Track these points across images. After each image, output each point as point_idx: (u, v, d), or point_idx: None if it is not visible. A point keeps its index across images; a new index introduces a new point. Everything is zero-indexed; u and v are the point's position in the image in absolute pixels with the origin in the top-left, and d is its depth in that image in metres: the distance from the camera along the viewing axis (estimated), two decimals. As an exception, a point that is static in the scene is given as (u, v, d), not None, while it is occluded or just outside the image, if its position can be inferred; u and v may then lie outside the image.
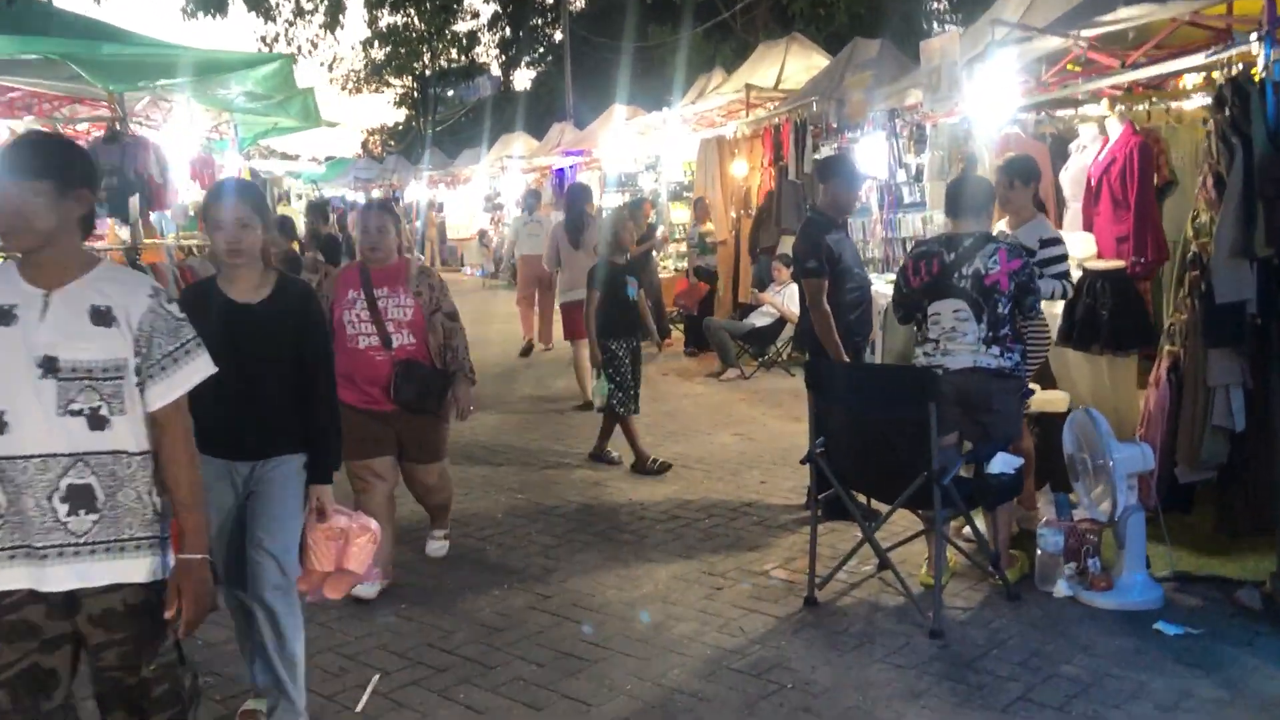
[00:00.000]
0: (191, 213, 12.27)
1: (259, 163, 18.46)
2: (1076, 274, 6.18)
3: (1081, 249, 6.21)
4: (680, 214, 17.56)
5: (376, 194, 36.82)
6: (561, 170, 22.03)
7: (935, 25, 26.87)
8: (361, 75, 39.53)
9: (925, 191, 9.07)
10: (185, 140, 11.22)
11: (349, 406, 4.46)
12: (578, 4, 36.03)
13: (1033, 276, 4.84)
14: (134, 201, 8.78)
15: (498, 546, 5.75)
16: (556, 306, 10.74)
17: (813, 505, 4.94)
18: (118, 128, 9.06)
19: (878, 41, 12.40)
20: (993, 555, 4.86)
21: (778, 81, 14.72)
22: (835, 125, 11.12)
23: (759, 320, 10.74)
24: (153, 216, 10.49)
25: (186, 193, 11.93)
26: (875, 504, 5.27)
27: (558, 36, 35.20)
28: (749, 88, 14.27)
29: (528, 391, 10.37)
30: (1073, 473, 4.97)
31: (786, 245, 11.68)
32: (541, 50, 39.32)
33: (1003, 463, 4.62)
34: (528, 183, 23.32)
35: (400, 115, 46.42)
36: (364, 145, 53.59)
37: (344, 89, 40.17)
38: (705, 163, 14.25)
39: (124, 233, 10.44)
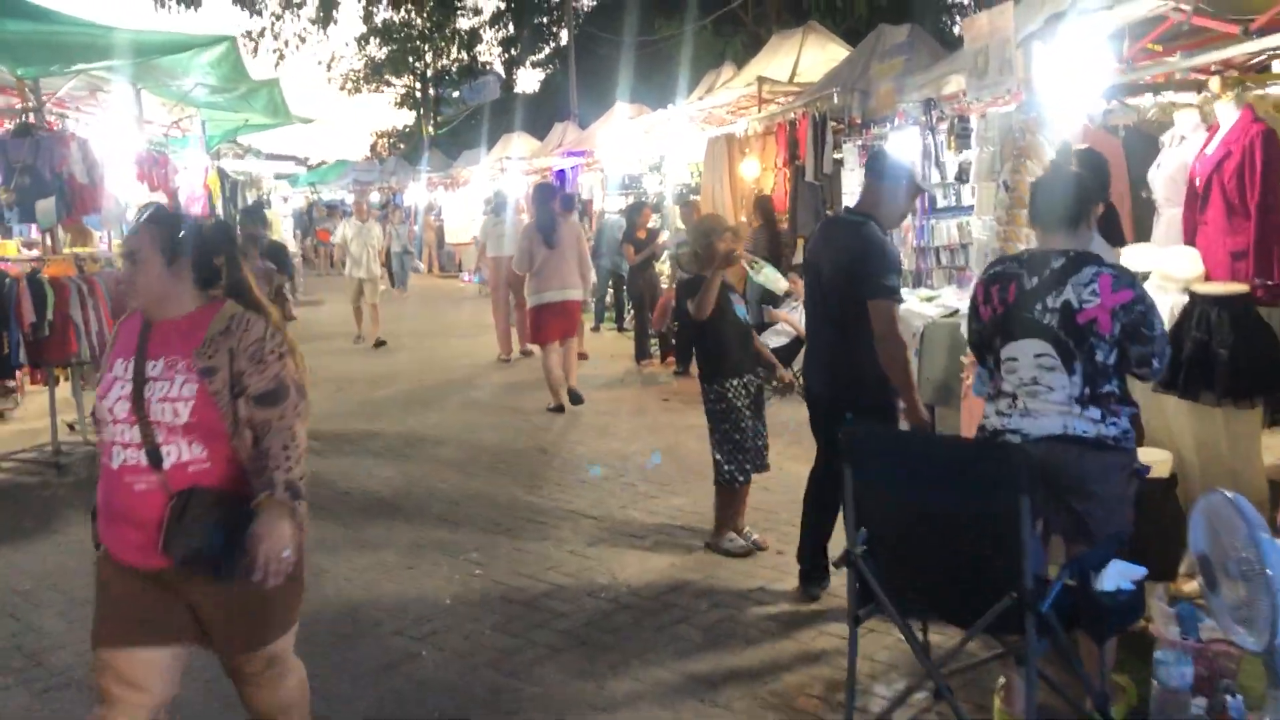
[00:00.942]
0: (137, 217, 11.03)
1: (232, 163, 17.19)
2: (1180, 300, 4.87)
3: (1184, 268, 4.92)
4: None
5: (375, 197, 35.68)
6: (562, 172, 20.76)
7: (959, 19, 25.56)
8: (361, 75, 38.38)
9: (974, 193, 7.74)
10: (125, 136, 10.01)
11: (106, 560, 2.97)
12: (585, 3, 34.90)
13: (1148, 316, 3.51)
14: (45, 205, 7.51)
15: (438, 650, 4.46)
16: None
17: (852, 623, 3.62)
18: (29, 119, 7.81)
19: (906, 26, 11.10)
20: (1096, 691, 3.54)
21: (793, 74, 13.45)
22: (859, 120, 9.84)
23: (773, 340, 9.45)
24: (85, 221, 9.23)
25: (130, 195, 10.73)
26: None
27: (563, 36, 34.07)
28: (761, 80, 12.99)
29: (503, 419, 9.09)
30: (1206, 577, 3.66)
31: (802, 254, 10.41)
32: (545, 49, 38.15)
33: (1118, 574, 3.31)
34: (529, 185, 22.05)
35: (402, 117, 45.32)
36: (372, 148, 52.60)
37: (343, 88, 39.05)
38: (713, 163, 12.97)
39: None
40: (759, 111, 12.82)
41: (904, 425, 4.74)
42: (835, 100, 9.99)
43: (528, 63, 39.18)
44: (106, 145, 9.67)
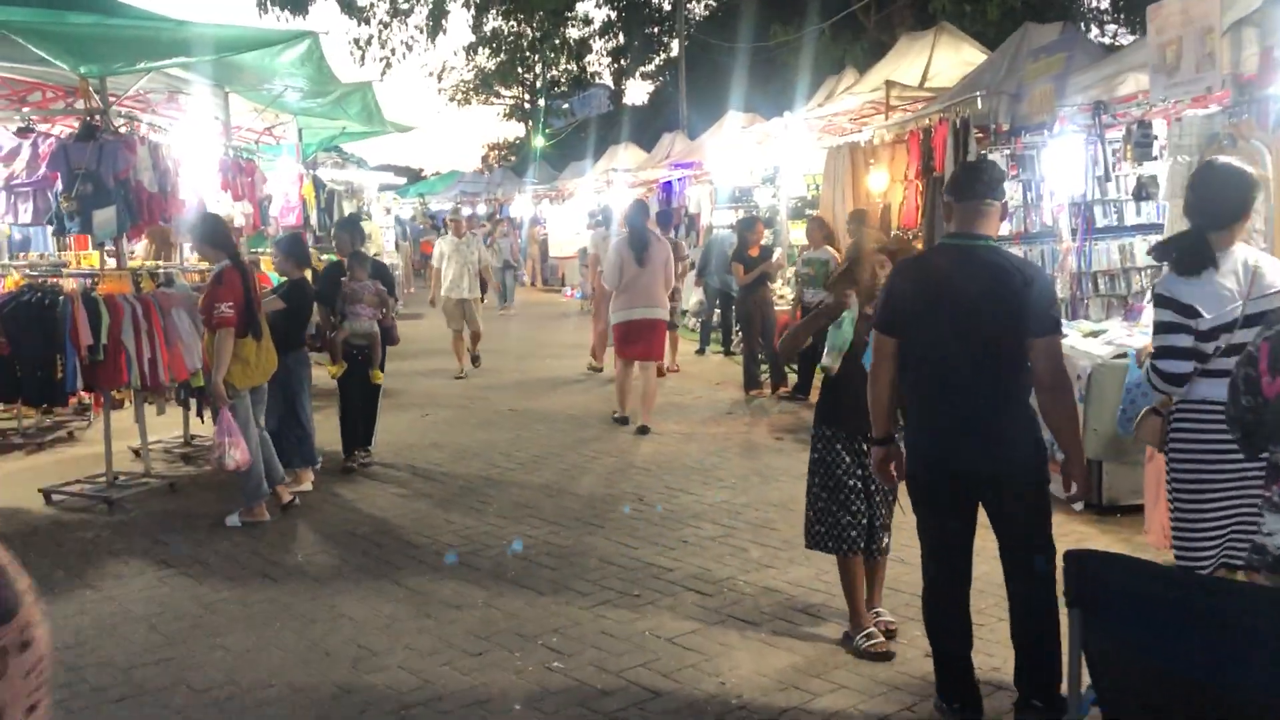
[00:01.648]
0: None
1: (330, 172, 16.69)
2: None
3: None
4: (802, 234, 15.19)
5: (481, 209, 35.38)
6: (669, 184, 19.91)
7: (1095, 28, 23.95)
8: (471, 86, 38.17)
9: (1162, 211, 6.55)
10: (206, 141, 9.43)
11: None
12: (696, 12, 34.03)
13: None
14: (103, 215, 6.86)
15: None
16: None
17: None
18: (93, 121, 7.19)
19: (1056, 25, 9.91)
20: None
21: (923, 79, 12.33)
22: (1007, 126, 8.67)
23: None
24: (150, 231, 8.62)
25: (215, 205, 10.15)
26: None
27: (673, 46, 33.26)
28: (890, 85, 11.89)
29: (598, 458, 8.16)
30: None
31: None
32: (655, 59, 37.40)
33: None
34: (634, 197, 21.25)
35: (511, 129, 45.17)
36: (484, 160, 52.71)
37: (452, 99, 38.91)
38: (834, 175, 11.90)
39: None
40: (887, 119, 11.74)
41: (1060, 486, 3.88)
42: (979, 105, 8.84)
43: (637, 74, 38.53)
44: (186, 151, 9.10)
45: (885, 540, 4.64)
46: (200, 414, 8.09)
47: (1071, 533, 6.01)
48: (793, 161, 14.37)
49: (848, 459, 4.54)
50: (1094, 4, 23.78)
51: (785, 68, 25.98)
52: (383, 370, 8.05)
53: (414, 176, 50.63)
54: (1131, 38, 20.79)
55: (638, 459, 8.08)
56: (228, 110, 10.31)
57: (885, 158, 11.03)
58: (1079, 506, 6.11)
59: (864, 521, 4.52)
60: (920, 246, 10.45)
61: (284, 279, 7.32)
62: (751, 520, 6.39)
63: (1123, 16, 23.13)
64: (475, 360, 12.65)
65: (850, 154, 11.60)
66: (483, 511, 6.68)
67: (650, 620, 4.90)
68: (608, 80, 38.33)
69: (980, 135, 8.96)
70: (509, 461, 8.05)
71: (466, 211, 31.54)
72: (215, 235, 6.49)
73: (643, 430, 9.00)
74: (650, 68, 38.97)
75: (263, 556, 5.92)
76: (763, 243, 11.61)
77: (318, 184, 13.59)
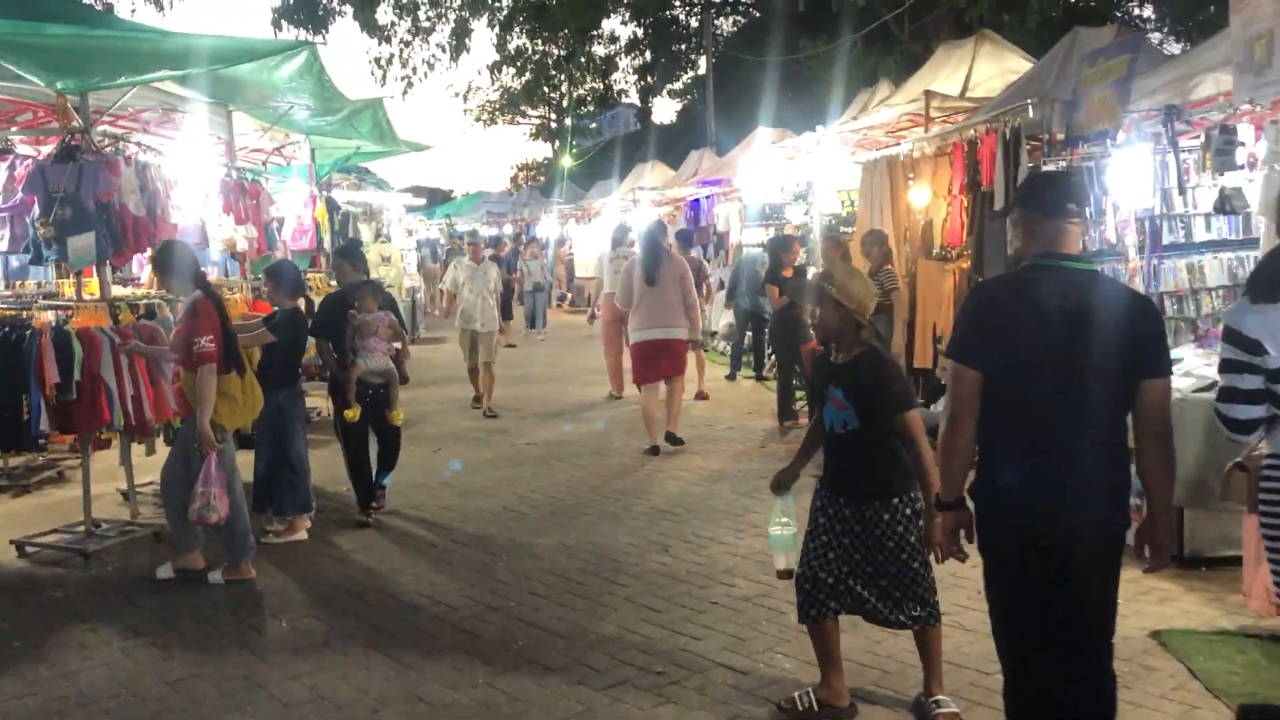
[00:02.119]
0: (224, 252, 9.96)
1: (348, 194, 16.19)
2: None
3: None
4: (838, 254, 14.53)
5: (508, 229, 34.97)
6: (696, 202, 19.31)
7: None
8: (496, 106, 37.79)
9: (1258, 226, 5.84)
10: (202, 162, 8.90)
11: None
12: (724, 27, 33.49)
13: None
14: (80, 242, 6.31)
15: None
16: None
17: None
18: (72, 140, 6.65)
19: (1110, 28, 9.25)
20: None
21: (964, 89, 11.66)
22: (1061, 136, 8.00)
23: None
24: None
25: (217, 229, 9.63)
26: None
27: (701, 63, 32.76)
28: (929, 95, 11.24)
29: (622, 501, 7.51)
30: None
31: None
32: (683, 76, 36.89)
33: None
34: (660, 216, 20.65)
35: (538, 149, 44.79)
36: (513, 180, 52.46)
37: (478, 119, 38.54)
38: (871, 190, 11.22)
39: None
40: (926, 131, 11.08)
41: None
42: (1030, 113, 8.16)
43: (664, 91, 38.01)
44: (182, 172, 8.58)
45: (917, 611, 3.99)
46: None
47: (1153, 590, 5.32)
48: (826, 177, 13.71)
49: (821, 519, 4.18)
50: (1138, 11, 22.96)
51: (815, 83, 25.37)
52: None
53: (443, 198, 50.44)
54: (1179, 47, 20.00)
55: (664, 502, 7.41)
56: (231, 129, 9.80)
57: (926, 172, 10.34)
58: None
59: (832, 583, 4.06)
60: (965, 266, 9.81)
61: (275, 309, 6.73)
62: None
63: (1168, 25, 22.29)
64: (486, 413, 10.98)
65: (888, 168, 10.93)
66: (491, 567, 6.04)
67: (675, 706, 4.23)
68: (634, 98, 37.85)
69: (1032, 146, 8.29)
70: (524, 505, 7.41)
71: (490, 233, 31.14)
72: (181, 264, 5.89)
73: (672, 439, 9.06)
74: (678, 86, 38.48)
75: (242, 621, 5.31)
76: (797, 263, 10.97)
77: (331, 206, 13.08)
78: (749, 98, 27.72)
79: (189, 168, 8.65)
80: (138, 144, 7.69)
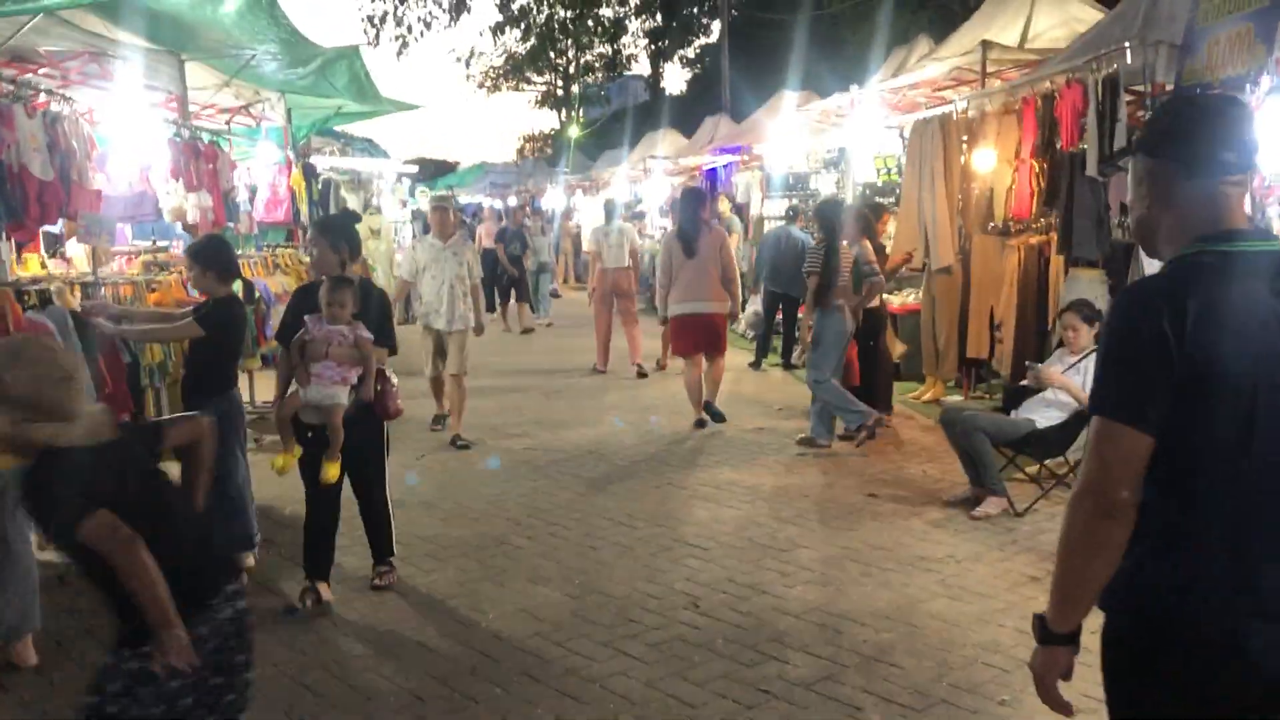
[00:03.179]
0: (171, 222, 8.60)
1: (332, 160, 14.78)
2: None
3: None
4: (872, 227, 13.15)
5: (512, 201, 33.54)
6: (714, 171, 17.88)
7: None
8: (500, 72, 36.25)
9: None
10: (140, 117, 7.56)
11: None
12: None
13: None
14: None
15: None
16: (664, 321, 9.31)
17: None
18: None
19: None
20: None
21: (1023, 39, 10.24)
22: (1167, 85, 6.61)
23: (1041, 414, 6.25)
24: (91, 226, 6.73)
25: (165, 198, 8.30)
26: None
27: (714, 27, 31.22)
28: (988, 46, 9.83)
29: (645, 531, 6.19)
30: None
31: (1084, 288, 7.20)
32: (696, 41, 35.31)
33: None
34: (672, 186, 19.24)
35: (544, 118, 43.24)
36: (519, 152, 50.99)
37: (481, 86, 37.01)
38: (920, 155, 9.82)
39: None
40: (982, 87, 9.69)
41: None
42: (1129, 59, 6.77)
43: (676, 57, 36.44)
44: (114, 130, 7.24)
45: None
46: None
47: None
48: (862, 142, 12.31)
49: None
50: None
51: (840, 45, 23.87)
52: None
53: (448, 171, 48.96)
54: None
55: (689, 529, 6.08)
56: (183, 81, 8.46)
57: (990, 133, 8.94)
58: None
59: None
60: (1036, 241, 8.43)
61: (204, 298, 5.34)
62: (859, 648, 4.39)
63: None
64: (455, 441, 8.31)
65: (941, 129, 9.52)
66: (470, 632, 4.71)
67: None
68: (645, 64, 36.25)
69: (1132, 99, 6.90)
70: (519, 533, 6.09)
71: (485, 204, 29.44)
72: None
73: (709, 410, 8.74)
74: (690, 53, 36.91)
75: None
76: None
77: (309, 172, 11.71)
78: (766, 62, 26.21)
79: (124, 123, 7.33)
80: (48, 91, 6.32)
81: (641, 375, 11.44)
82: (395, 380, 5.14)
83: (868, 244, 8.56)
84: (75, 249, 7.88)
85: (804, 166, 15.35)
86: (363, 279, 5.29)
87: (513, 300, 16.64)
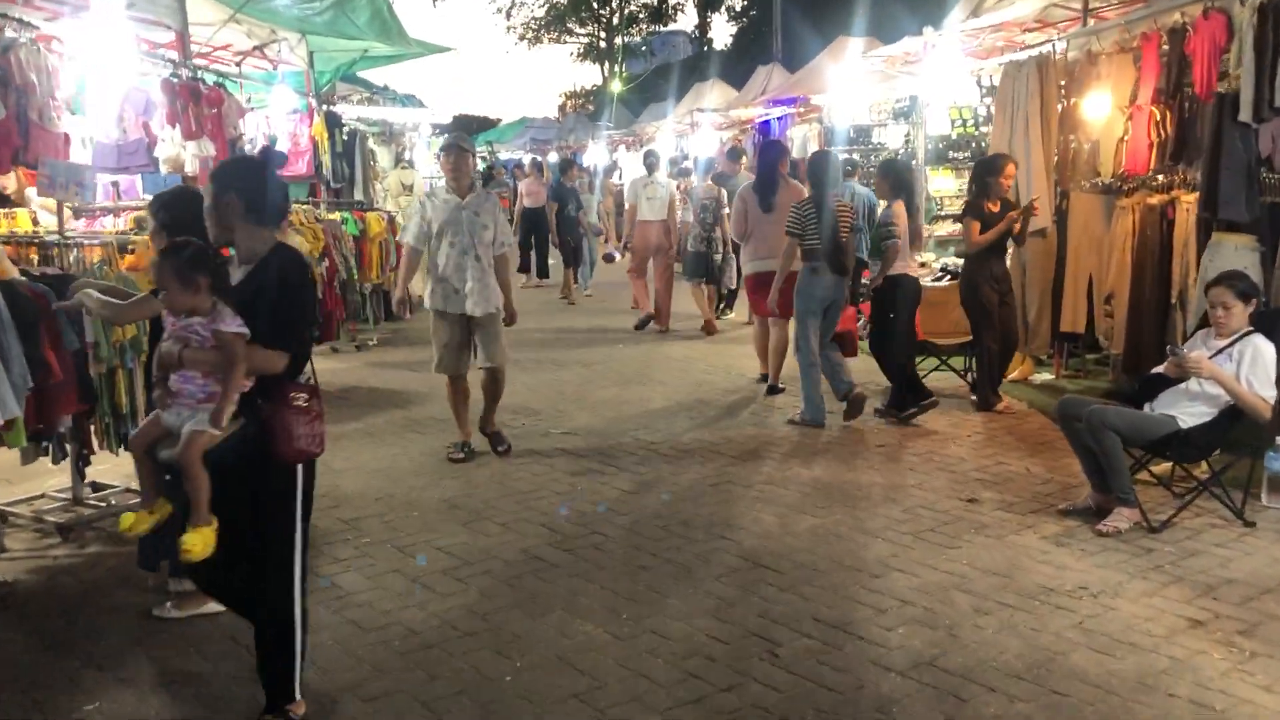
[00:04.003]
0: (168, 173, 7.68)
1: (362, 110, 13.79)
2: None
3: None
4: (944, 182, 12.00)
5: (553, 157, 32.50)
6: (767, 123, 16.75)
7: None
8: (541, 22, 35.03)
9: None
10: (126, 51, 6.62)
11: None
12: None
13: None
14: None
15: None
16: (738, 278, 9.65)
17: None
18: None
19: None
20: None
21: (1132, -29, 9.01)
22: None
23: (1184, 410, 5.18)
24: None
25: (162, 146, 7.39)
26: None
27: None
28: (1094, -23, 8.64)
29: (703, 578, 5.23)
30: None
31: (1231, 256, 6.08)
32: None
33: None
34: (722, 140, 18.11)
35: (585, 72, 41.97)
36: (561, 109, 49.87)
37: (522, 38, 35.81)
38: (1011, 102, 8.68)
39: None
40: (1085, 24, 8.50)
41: None
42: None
43: (724, 8, 35.01)
44: (92, 65, 6.31)
45: None
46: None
47: None
48: (938, 91, 11.14)
49: None
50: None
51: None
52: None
53: (489, 125, 47.92)
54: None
55: (757, 543, 5.08)
56: (183, 15, 7.52)
57: (1098, 75, 7.77)
58: None
59: None
60: (1155, 201, 7.28)
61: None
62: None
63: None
64: (497, 443, 6.78)
65: (1039, 72, 8.36)
66: (496, 688, 3.76)
67: None
68: (691, 16, 34.85)
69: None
70: (556, 545, 5.12)
71: (525, 159, 28.12)
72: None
73: (773, 390, 8.32)
74: (737, 4, 35.45)
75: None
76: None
77: (332, 121, 10.75)
78: (821, 9, 24.86)
79: (107, 57, 6.40)
80: (2, 15, 5.36)
81: (640, 327, 11.71)
82: (309, 400, 3.32)
83: (900, 206, 7.55)
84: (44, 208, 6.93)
85: (867, 118, 14.18)
86: (279, 244, 3.41)
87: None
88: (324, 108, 10.61)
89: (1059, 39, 8.53)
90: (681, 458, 6.62)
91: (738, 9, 35.77)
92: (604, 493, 5.91)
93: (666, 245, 11.80)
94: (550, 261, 16.22)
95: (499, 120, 53.29)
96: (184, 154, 7.26)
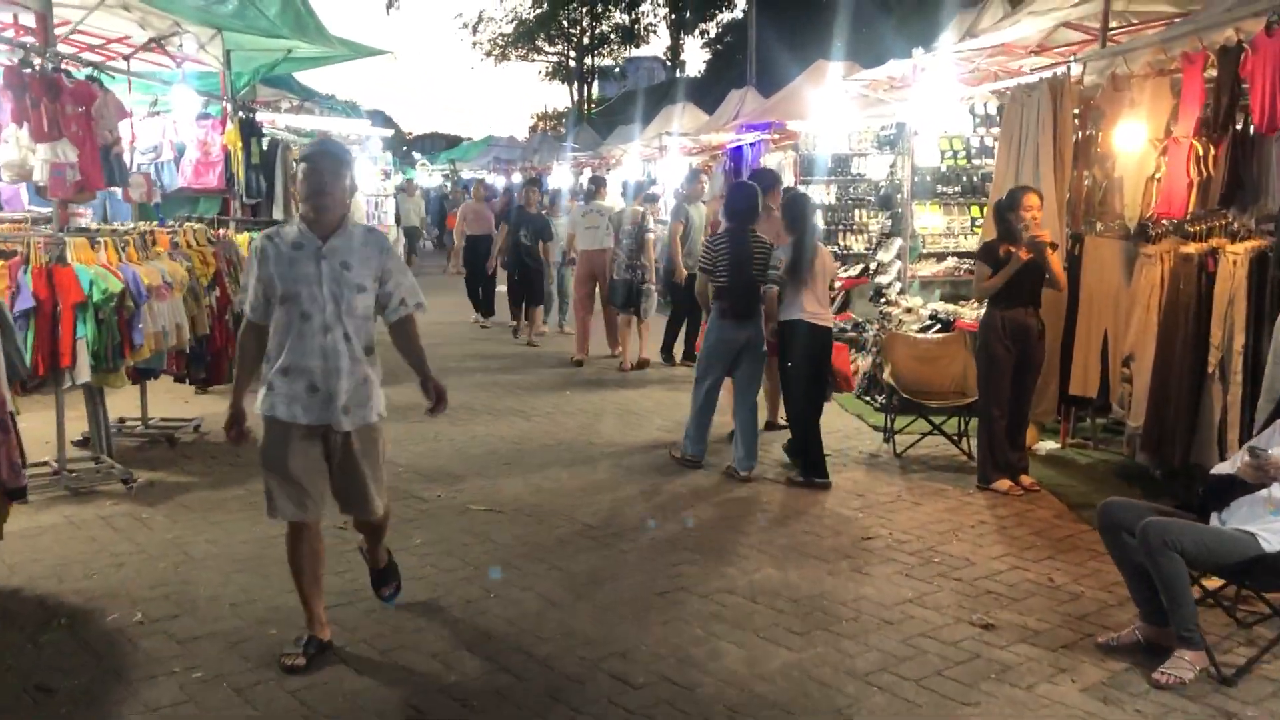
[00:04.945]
0: (10, 181, 6.38)
1: (289, 118, 12.46)
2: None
3: None
4: (932, 218, 10.89)
5: (517, 178, 31.33)
6: (739, 149, 15.60)
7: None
8: (509, 39, 33.89)
9: None
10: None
11: None
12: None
13: None
14: None
15: None
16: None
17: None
18: None
19: None
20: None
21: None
22: None
23: (1265, 525, 4.01)
24: None
25: (3, 148, 6.11)
26: None
27: (738, 1, 28.81)
28: (1116, -9, 7.61)
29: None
30: None
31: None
32: (717, 16, 32.92)
33: None
34: (691, 165, 16.96)
35: (554, 92, 40.95)
36: (532, 129, 48.86)
37: (489, 54, 34.65)
38: (1022, 133, 7.58)
39: None
40: (1103, 46, 7.44)
41: None
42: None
43: (697, 31, 34.07)
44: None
45: None
46: None
47: None
48: (927, 118, 10.04)
49: None
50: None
51: (879, 16, 21.58)
52: None
53: (454, 143, 46.70)
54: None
55: (715, 694, 3.88)
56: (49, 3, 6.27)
57: (1123, 103, 6.68)
58: None
59: None
60: (1193, 251, 6.16)
61: None
62: None
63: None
64: (382, 583, 4.59)
65: (1051, 100, 7.26)
66: None
67: None
68: (664, 36, 33.91)
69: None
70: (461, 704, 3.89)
71: (478, 179, 26.71)
72: None
73: (770, 426, 7.81)
74: (711, 29, 34.54)
75: None
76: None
77: (247, 129, 9.46)
78: (798, 33, 23.95)
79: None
80: None
81: (578, 364, 10.91)
82: None
83: (786, 239, 6.79)
84: None
85: (845, 147, 13.08)
86: None
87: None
88: (239, 114, 9.34)
89: (1075, 60, 7.44)
90: (626, 550, 5.39)
91: (712, 35, 34.92)
92: (524, 604, 4.66)
93: (606, 274, 11.07)
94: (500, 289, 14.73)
95: (468, 139, 52.21)
96: (31, 158, 5.98)
